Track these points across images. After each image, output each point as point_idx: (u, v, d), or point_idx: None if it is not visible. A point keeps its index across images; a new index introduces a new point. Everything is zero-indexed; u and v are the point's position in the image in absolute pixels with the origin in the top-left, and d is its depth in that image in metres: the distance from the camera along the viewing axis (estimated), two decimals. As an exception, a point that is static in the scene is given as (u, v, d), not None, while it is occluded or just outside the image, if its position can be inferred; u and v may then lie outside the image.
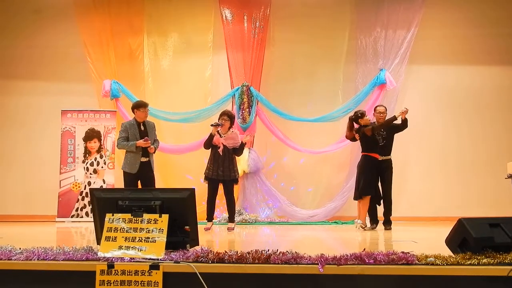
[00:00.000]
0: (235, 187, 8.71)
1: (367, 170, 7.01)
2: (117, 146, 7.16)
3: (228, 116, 6.92)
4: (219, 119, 6.94)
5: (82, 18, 9.48)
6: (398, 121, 7.27)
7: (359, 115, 7.17)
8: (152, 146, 6.88)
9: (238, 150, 6.93)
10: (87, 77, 9.45)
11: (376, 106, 7.63)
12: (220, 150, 6.79)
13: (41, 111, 9.64)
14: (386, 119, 7.29)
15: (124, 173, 6.95)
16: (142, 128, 6.96)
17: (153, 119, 8.69)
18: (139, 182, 6.94)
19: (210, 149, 6.92)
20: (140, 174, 6.89)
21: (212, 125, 6.86)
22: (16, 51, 9.74)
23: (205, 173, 6.91)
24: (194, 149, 8.91)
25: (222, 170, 6.79)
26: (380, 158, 7.09)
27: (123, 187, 7.11)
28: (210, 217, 6.92)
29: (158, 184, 8.70)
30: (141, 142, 6.77)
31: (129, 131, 6.91)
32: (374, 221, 7.19)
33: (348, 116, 8.90)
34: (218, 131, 6.87)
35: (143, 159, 6.87)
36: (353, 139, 7.36)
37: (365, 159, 7.08)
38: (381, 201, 7.17)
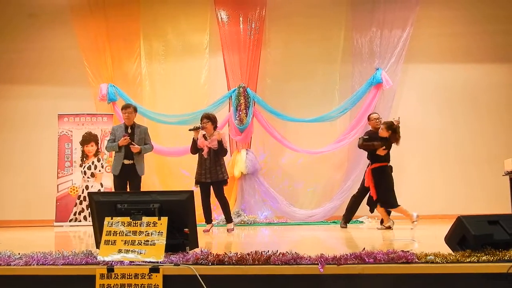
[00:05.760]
0: (233, 188, 8.77)
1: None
2: (105, 149, 7.25)
3: (207, 118, 6.85)
4: (200, 122, 6.90)
5: (78, 22, 9.47)
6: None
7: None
8: (134, 145, 6.77)
9: (218, 150, 6.81)
10: (84, 80, 9.43)
11: (370, 115, 7.58)
12: (204, 153, 6.78)
13: (38, 115, 9.62)
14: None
15: (113, 176, 6.99)
16: (130, 131, 6.90)
17: (150, 121, 8.71)
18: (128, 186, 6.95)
19: (198, 153, 6.93)
20: (127, 177, 6.86)
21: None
22: (12, 55, 9.72)
23: (195, 178, 6.92)
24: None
25: (210, 172, 6.78)
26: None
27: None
28: (208, 219, 6.93)
29: (157, 187, 8.75)
30: (121, 141, 6.74)
31: (116, 134, 6.92)
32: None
33: (344, 116, 8.98)
34: (204, 135, 6.85)
35: (126, 162, 6.80)
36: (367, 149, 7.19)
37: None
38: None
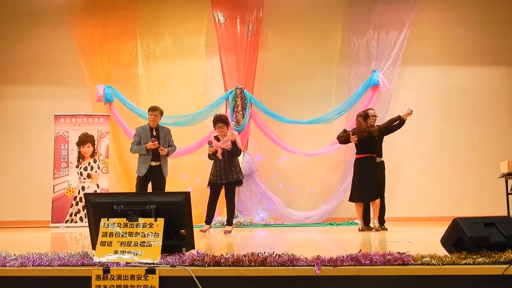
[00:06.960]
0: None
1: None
2: (130, 151, 7.14)
3: (222, 122, 6.82)
4: (214, 127, 6.85)
5: (75, 22, 9.48)
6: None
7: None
8: (162, 148, 6.85)
9: (233, 151, 6.81)
10: (81, 81, 9.43)
11: (368, 110, 7.53)
12: (218, 154, 6.76)
13: (35, 116, 9.62)
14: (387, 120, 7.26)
15: (137, 176, 6.98)
16: (154, 133, 6.96)
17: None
18: (150, 186, 6.97)
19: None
20: (151, 178, 6.91)
21: (208, 144, 6.81)
22: (10, 55, 9.72)
23: (209, 179, 6.87)
24: (188, 152, 8.91)
25: (225, 173, 6.75)
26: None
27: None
28: (208, 220, 6.89)
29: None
30: (149, 144, 6.79)
31: (141, 135, 6.94)
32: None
33: (340, 118, 9.00)
34: (215, 136, 6.83)
35: (153, 163, 6.87)
36: (344, 141, 7.30)
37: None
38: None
